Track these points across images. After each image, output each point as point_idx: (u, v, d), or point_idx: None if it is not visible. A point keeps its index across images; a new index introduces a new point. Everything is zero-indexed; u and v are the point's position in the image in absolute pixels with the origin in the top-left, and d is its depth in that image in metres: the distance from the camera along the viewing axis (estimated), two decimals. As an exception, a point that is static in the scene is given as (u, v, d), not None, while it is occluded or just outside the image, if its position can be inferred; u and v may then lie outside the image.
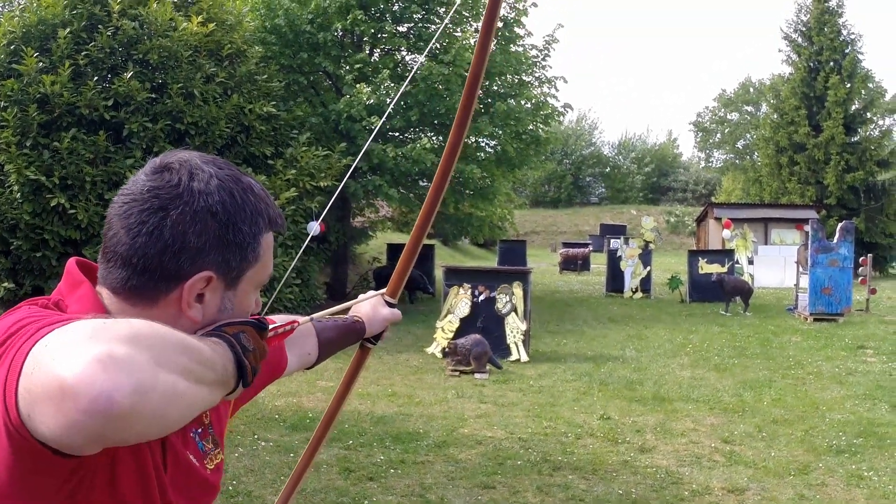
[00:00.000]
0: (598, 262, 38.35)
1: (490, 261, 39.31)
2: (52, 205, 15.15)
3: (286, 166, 18.15)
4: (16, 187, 15.17)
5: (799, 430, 10.56)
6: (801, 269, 22.94)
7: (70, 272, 1.72)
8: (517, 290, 15.85)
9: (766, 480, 8.56)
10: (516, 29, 25.15)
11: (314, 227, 18.58)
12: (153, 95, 16.28)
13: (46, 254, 15.36)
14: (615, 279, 28.37)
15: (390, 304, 2.64)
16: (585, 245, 44.84)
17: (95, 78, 15.89)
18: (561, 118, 27.79)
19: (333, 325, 2.57)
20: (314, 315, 2.22)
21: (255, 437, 9.63)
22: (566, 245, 46.04)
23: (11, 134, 15.08)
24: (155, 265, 1.63)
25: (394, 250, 27.86)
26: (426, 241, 26.64)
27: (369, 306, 2.62)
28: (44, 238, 15.36)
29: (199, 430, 1.85)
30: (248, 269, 1.74)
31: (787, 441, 10.06)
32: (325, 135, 21.55)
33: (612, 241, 30.09)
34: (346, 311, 2.59)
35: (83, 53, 16.03)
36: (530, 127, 24.99)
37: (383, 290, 2.66)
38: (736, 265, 27.86)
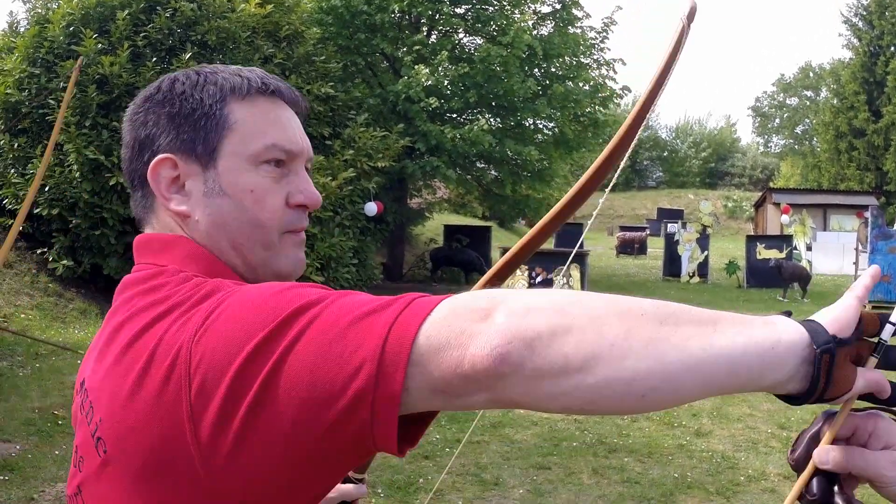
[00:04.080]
0: (655, 247, 38.14)
1: (547, 244, 39.09)
2: (110, 184, 15.30)
3: (344, 147, 18.17)
4: (75, 166, 15.32)
5: (856, 417, 10.46)
6: (860, 247, 22.70)
7: (147, 245, 1.54)
8: (574, 272, 15.85)
9: (823, 468, 8.49)
10: (574, 10, 25.09)
11: (371, 207, 18.68)
12: (212, 76, 16.32)
13: (105, 232, 15.52)
14: (672, 263, 28.21)
15: (355, 480, 2.06)
16: (643, 229, 44.60)
17: (154, 59, 16.02)
18: (619, 101, 27.67)
19: None
20: None
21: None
22: (623, 229, 45.84)
23: (71, 114, 15.22)
24: (132, 170, 1.57)
25: (450, 231, 27.87)
26: (483, 223, 26.75)
27: None
28: (102, 216, 15.51)
29: None
30: (220, 140, 1.52)
31: (844, 429, 9.97)
32: (383, 115, 21.61)
33: (669, 225, 29.91)
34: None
35: (142, 35, 16.16)
36: (588, 109, 24.95)
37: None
38: (794, 251, 27.61)
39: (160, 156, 1.50)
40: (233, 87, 1.53)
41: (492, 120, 24.10)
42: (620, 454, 8.75)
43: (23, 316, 13.45)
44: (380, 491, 7.44)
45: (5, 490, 6.88)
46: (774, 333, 1.13)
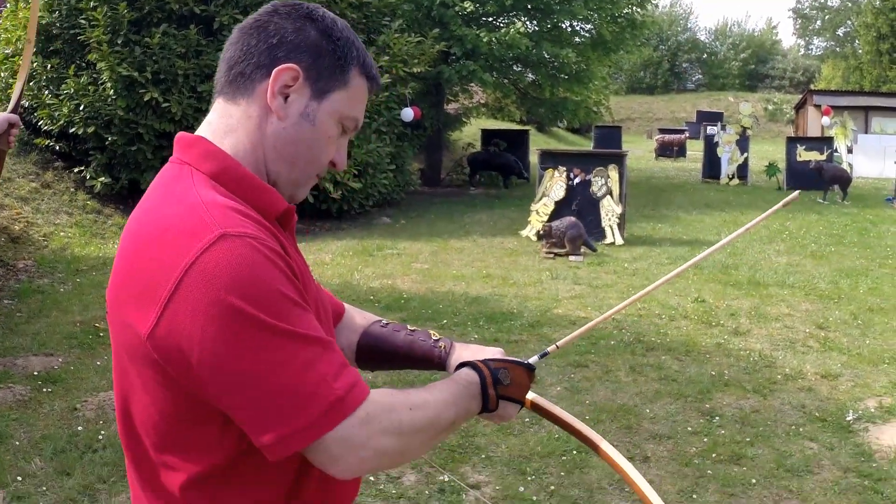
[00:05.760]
0: (695, 150, 37.92)
1: (586, 147, 38.94)
2: (145, 99, 15.36)
3: (379, 53, 18.05)
4: (109, 84, 15.39)
5: (895, 319, 10.44)
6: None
7: (179, 141, 1.93)
8: (612, 173, 15.77)
9: (859, 367, 8.49)
10: None
11: (408, 113, 18.63)
12: (242, -13, 16.26)
13: (141, 147, 15.63)
14: (712, 165, 27.98)
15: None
16: (682, 131, 44.28)
17: (184, -26, 15.89)
18: (657, 1, 27.35)
19: (395, 340, 2.36)
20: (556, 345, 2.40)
21: (351, 317, 9.76)
22: (662, 131, 45.53)
23: (102, 32, 15.22)
24: (256, 52, 1.87)
25: (488, 136, 27.74)
26: (521, 127, 26.72)
27: (472, 353, 2.28)
28: (138, 132, 15.62)
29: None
30: (336, 89, 1.91)
31: (883, 330, 9.93)
32: (418, 21, 21.43)
33: (708, 127, 29.65)
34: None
35: (170, -51, 16.04)
36: (626, 10, 24.71)
37: (532, 361, 2.23)
38: (835, 153, 27.34)
39: (293, 64, 1.86)
40: (364, 62, 1.96)
41: (528, 23, 23.90)
42: (658, 352, 8.80)
43: (62, 234, 13.60)
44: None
45: (49, 401, 7.02)
46: (468, 403, 2.00)
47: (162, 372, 1.69)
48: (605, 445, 2.20)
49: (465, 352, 2.29)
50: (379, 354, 2.37)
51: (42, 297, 10.45)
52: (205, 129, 1.92)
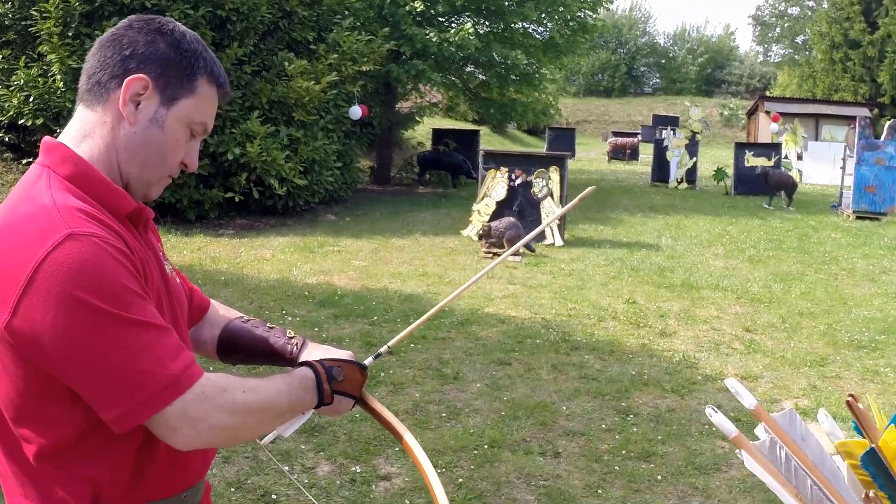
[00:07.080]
0: (648, 153, 38.09)
1: (539, 148, 39.07)
2: (94, 92, 15.31)
3: (328, 51, 18.03)
4: (59, 76, 15.38)
5: (822, 323, 10.59)
6: (848, 151, 22.77)
7: (43, 145, 2.07)
8: (554, 174, 15.89)
9: (781, 370, 8.65)
10: None
11: (355, 111, 18.67)
12: (193, -18, 16.21)
13: (90, 141, 15.58)
14: (661, 169, 28.16)
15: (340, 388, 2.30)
16: (635, 134, 44.48)
17: (136, -32, 15.83)
18: (609, 5, 27.49)
19: (252, 335, 2.54)
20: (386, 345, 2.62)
21: (283, 312, 9.84)
22: (615, 134, 45.73)
23: (54, 24, 15.19)
24: (111, 63, 2.02)
25: (439, 135, 27.83)
26: (472, 127, 26.71)
27: (321, 352, 2.43)
28: (87, 125, 15.54)
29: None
30: (183, 96, 2.06)
31: (809, 333, 10.11)
32: (369, 20, 21.45)
33: (662, 131, 29.86)
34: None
35: (124, -56, 15.96)
36: (578, 13, 24.82)
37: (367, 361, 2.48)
38: (784, 160, 27.58)
39: (143, 75, 2.01)
40: (212, 71, 2.11)
41: (479, 24, 23.94)
42: (582, 352, 8.92)
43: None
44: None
45: None
46: (303, 395, 2.17)
47: (18, 354, 1.86)
48: (409, 439, 2.37)
49: (315, 351, 2.46)
50: (238, 348, 2.55)
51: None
52: (66, 135, 2.07)
